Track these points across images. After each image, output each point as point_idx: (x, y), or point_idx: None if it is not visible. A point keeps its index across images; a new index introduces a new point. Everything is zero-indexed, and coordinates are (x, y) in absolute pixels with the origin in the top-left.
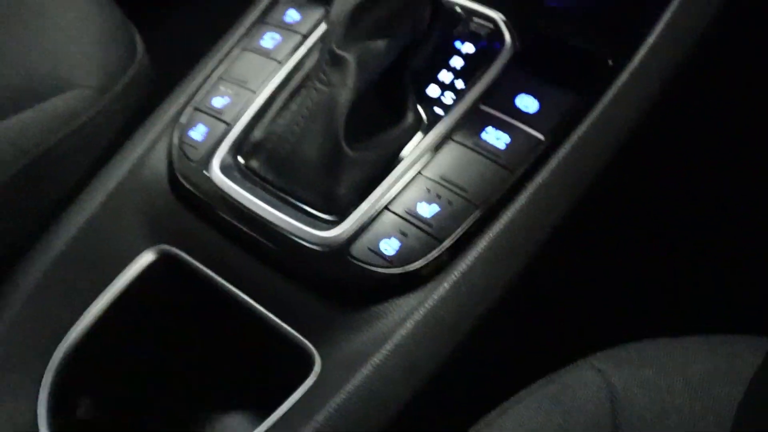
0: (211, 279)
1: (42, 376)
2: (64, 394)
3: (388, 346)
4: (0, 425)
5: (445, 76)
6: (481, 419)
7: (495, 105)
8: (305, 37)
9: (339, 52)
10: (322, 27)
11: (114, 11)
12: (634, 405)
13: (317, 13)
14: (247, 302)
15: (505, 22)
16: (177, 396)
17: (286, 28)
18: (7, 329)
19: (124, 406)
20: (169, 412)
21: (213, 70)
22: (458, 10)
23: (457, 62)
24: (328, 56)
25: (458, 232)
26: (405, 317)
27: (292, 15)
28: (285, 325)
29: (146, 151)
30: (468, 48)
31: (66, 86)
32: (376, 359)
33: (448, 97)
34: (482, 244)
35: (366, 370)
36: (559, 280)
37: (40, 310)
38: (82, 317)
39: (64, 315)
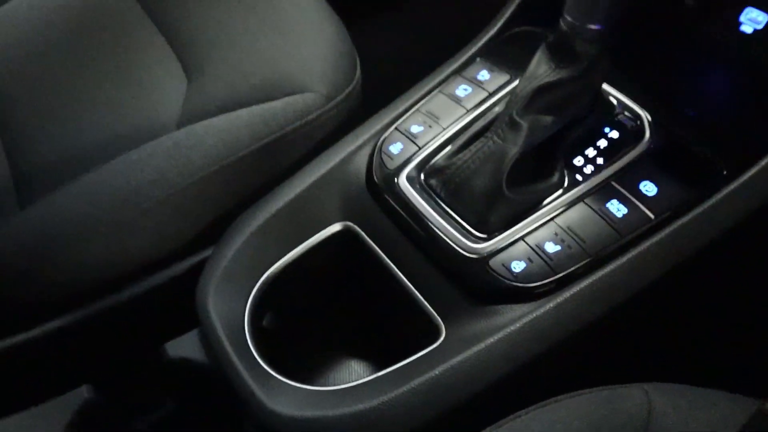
0: (377, 254)
1: (251, 292)
2: (260, 307)
3: (499, 335)
4: (221, 318)
5: (590, 151)
6: (547, 400)
7: (623, 184)
8: (490, 94)
9: (517, 118)
10: (504, 90)
11: (345, 35)
12: (665, 418)
13: (503, 77)
14: (399, 277)
15: (648, 121)
16: (327, 329)
17: (476, 84)
18: (233, 255)
19: (291, 326)
20: (318, 340)
21: (414, 103)
22: (614, 102)
23: (602, 143)
24: (507, 119)
25: (570, 270)
26: (516, 318)
27: (483, 74)
28: (424, 301)
29: (353, 151)
30: (614, 134)
31: (303, 89)
32: (487, 341)
33: (588, 169)
34: (584, 283)
35: (478, 347)
36: (636, 327)
37: (256, 247)
38: (282, 258)
39: (270, 253)
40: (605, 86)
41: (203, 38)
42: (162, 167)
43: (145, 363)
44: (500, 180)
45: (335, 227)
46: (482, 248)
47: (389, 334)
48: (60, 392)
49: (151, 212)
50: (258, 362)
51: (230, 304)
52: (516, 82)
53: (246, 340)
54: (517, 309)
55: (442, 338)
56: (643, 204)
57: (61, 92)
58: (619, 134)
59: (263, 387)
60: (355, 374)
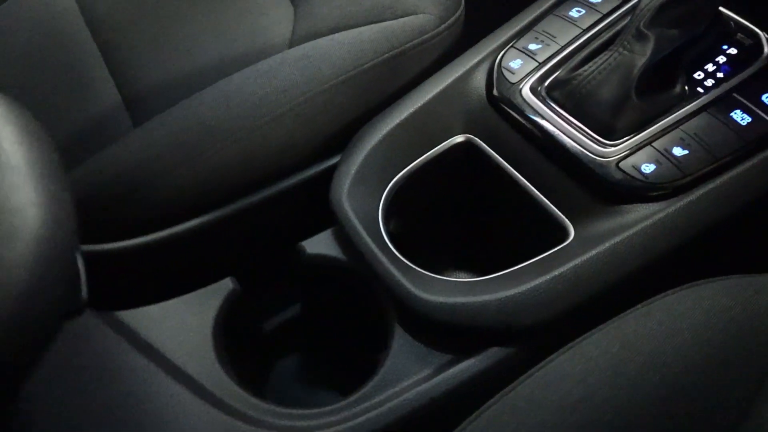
0: (500, 163)
1: (381, 195)
2: (389, 212)
3: (634, 229)
4: (356, 214)
5: (710, 67)
6: (693, 282)
7: (745, 95)
8: (604, 15)
9: (644, 30)
10: (617, 12)
11: None
12: None
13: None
14: (522, 182)
15: (766, 38)
16: (453, 235)
17: (590, 6)
18: (363, 160)
19: (417, 229)
20: (445, 245)
21: (529, 25)
22: (731, 23)
23: (721, 59)
24: (635, 31)
25: (698, 172)
26: (647, 216)
27: None
28: (551, 204)
29: (472, 67)
30: (732, 51)
31: (418, 11)
32: (623, 235)
33: (710, 82)
34: (713, 184)
35: (614, 240)
36: (762, 229)
37: (384, 155)
38: (406, 166)
39: (396, 162)
40: (722, 8)
41: None
42: (292, 76)
43: (283, 259)
44: (629, 88)
45: (457, 139)
46: (611, 152)
47: (512, 239)
48: (207, 282)
49: (283, 119)
50: (398, 256)
51: (363, 206)
52: (627, 5)
53: (383, 237)
54: (649, 207)
55: (571, 237)
56: (766, 113)
57: (168, 20)
58: (737, 51)
59: (408, 277)
60: (484, 274)
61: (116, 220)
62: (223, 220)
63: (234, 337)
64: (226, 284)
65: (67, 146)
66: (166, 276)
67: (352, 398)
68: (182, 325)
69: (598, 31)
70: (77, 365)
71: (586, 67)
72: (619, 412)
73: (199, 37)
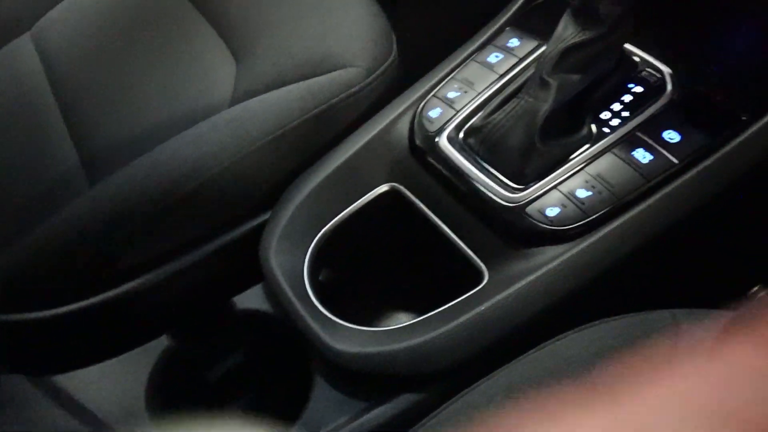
0: (422, 210)
1: (308, 249)
2: (317, 263)
3: (539, 273)
4: (283, 272)
5: (616, 106)
6: (583, 325)
7: (647, 133)
8: (521, 59)
9: (546, 78)
10: (533, 55)
11: (380, 14)
12: (691, 335)
13: (532, 43)
14: (442, 228)
15: (670, 75)
16: (377, 281)
17: (507, 51)
18: (290, 216)
19: (345, 279)
20: (369, 292)
21: (449, 72)
22: (636, 59)
23: (626, 98)
24: (538, 79)
25: (600, 212)
26: (552, 258)
27: (513, 42)
28: (467, 249)
29: (395, 118)
30: (637, 89)
31: (345, 65)
32: (528, 278)
33: (615, 122)
34: (614, 224)
35: (519, 284)
36: (663, 262)
37: (311, 208)
38: (334, 218)
39: (324, 214)
40: (627, 45)
41: (249, 24)
42: (222, 139)
43: (216, 315)
44: (533, 135)
45: (382, 188)
46: (519, 197)
47: (435, 282)
48: (144, 341)
49: (214, 180)
50: (319, 309)
51: (290, 260)
52: (545, 47)
53: (306, 291)
54: (554, 250)
55: (485, 281)
56: (667, 150)
57: (120, 82)
58: (642, 89)
59: (326, 329)
60: (405, 318)
61: (51, 287)
62: (159, 282)
63: (172, 391)
64: (161, 342)
65: (27, 205)
66: (101, 339)
67: None
68: (117, 385)
69: (513, 75)
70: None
71: (496, 114)
72: None
73: (150, 97)
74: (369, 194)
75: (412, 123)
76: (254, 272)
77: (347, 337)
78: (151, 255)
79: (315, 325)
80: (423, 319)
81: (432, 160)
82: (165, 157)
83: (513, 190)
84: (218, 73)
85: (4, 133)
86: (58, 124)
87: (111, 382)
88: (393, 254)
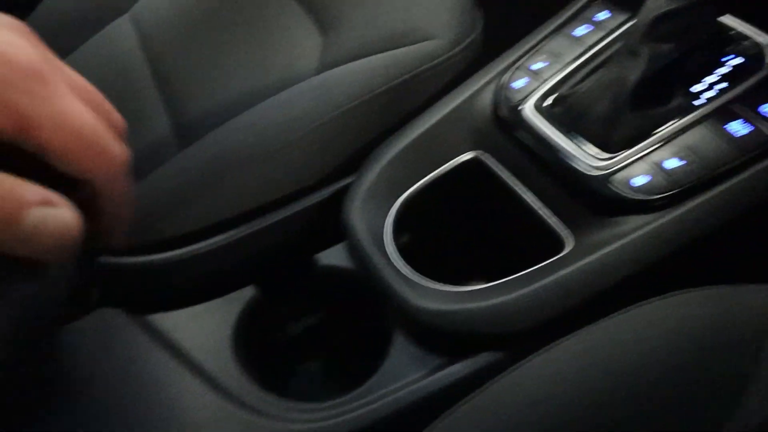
0: (503, 177)
1: (389, 211)
2: (397, 226)
3: (623, 241)
4: (365, 230)
5: (709, 78)
6: (670, 293)
7: (743, 106)
8: (609, 32)
9: (636, 47)
10: (622, 28)
11: None
12: None
13: (623, 16)
14: (524, 196)
15: (767, 47)
16: (455, 245)
17: (596, 24)
18: (374, 179)
19: (425, 240)
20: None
21: (535, 45)
22: (733, 30)
23: (721, 70)
24: (628, 48)
25: (689, 184)
26: (639, 227)
27: (603, 14)
28: (549, 216)
29: (480, 88)
30: (733, 61)
31: (430, 37)
32: (614, 245)
33: (708, 94)
34: (704, 196)
35: (605, 251)
36: (754, 240)
37: (394, 173)
38: (416, 183)
39: (407, 179)
40: (725, 17)
41: None
42: (308, 104)
43: (299, 270)
44: (622, 104)
45: (465, 156)
46: (606, 165)
47: (514, 249)
48: (230, 290)
49: (300, 143)
50: (400, 267)
51: (373, 221)
52: (632, 21)
53: (388, 250)
54: (639, 219)
55: (568, 248)
56: (762, 125)
57: (211, 56)
58: (739, 60)
59: (407, 287)
60: (484, 283)
61: (155, 236)
62: (245, 237)
63: (253, 340)
64: (248, 292)
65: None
66: (193, 284)
67: (351, 395)
68: (205, 328)
69: (602, 48)
70: (109, 361)
71: (583, 83)
72: (581, 411)
73: (238, 69)
74: (452, 161)
75: (496, 93)
76: (337, 232)
77: (428, 295)
78: (238, 212)
79: (396, 282)
80: (504, 281)
81: (516, 130)
82: (253, 120)
83: (599, 159)
84: (304, 46)
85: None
86: (153, 97)
87: (200, 325)
88: (473, 220)
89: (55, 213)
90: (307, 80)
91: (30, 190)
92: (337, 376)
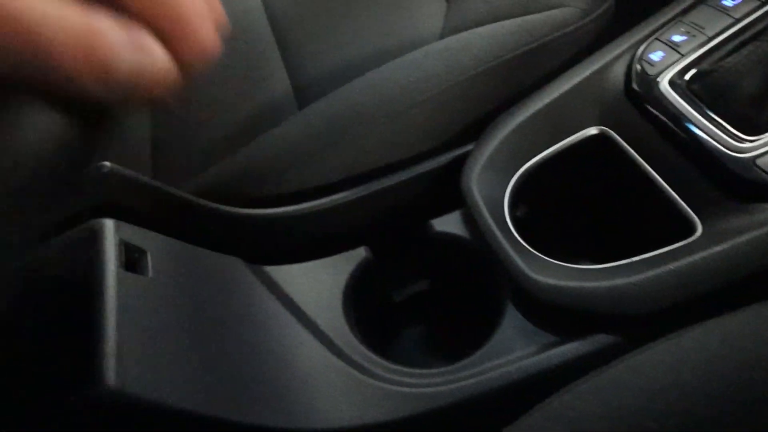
0: (631, 155)
1: (509, 182)
2: (516, 197)
3: (757, 232)
4: (483, 199)
5: None
6: None
7: None
8: (762, 3)
9: None
10: None
11: None
12: None
13: None
14: (653, 176)
15: None
16: (574, 221)
17: None
18: (496, 147)
19: (543, 214)
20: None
21: (676, 16)
22: None
23: None
24: None
25: None
26: None
27: None
28: (679, 198)
29: (612, 60)
30: None
31: (563, 4)
32: (749, 235)
33: None
34: None
35: (739, 239)
36: None
37: (516, 142)
38: (538, 154)
39: (528, 149)
40: None
41: None
42: (434, 67)
43: (414, 234)
44: None
45: (591, 131)
46: (749, 148)
47: (639, 230)
48: (344, 249)
49: (423, 106)
50: (517, 239)
51: (491, 191)
52: None
53: (506, 221)
54: None
55: (698, 232)
56: None
57: (332, 17)
58: None
59: (524, 259)
60: (604, 262)
61: (273, 191)
62: (364, 197)
63: (362, 300)
64: (360, 252)
65: (243, 124)
66: (309, 240)
67: (458, 364)
68: (318, 283)
69: (752, 21)
70: (228, 305)
71: (729, 59)
72: (708, 405)
73: (359, 31)
74: (576, 135)
75: (629, 66)
76: (453, 199)
77: (546, 269)
78: (358, 171)
79: (513, 254)
80: (628, 262)
81: (650, 105)
82: (377, 80)
83: (742, 141)
84: (428, 9)
85: (226, 61)
86: (274, 55)
87: (313, 281)
88: (596, 199)
89: (147, 55)
90: (433, 44)
91: (120, 35)
92: (442, 344)
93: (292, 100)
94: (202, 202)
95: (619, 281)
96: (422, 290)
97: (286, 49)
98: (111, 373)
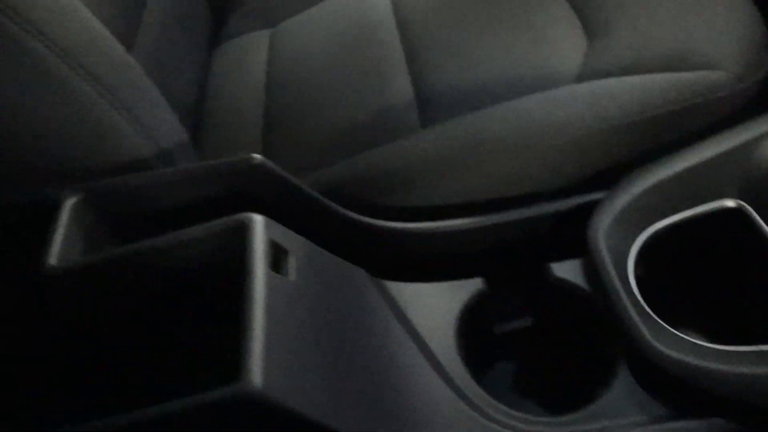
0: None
1: (638, 239)
2: (641, 255)
3: None
4: (609, 252)
5: None
6: None
7: None
8: None
9: None
10: None
11: (760, 22)
12: None
13: None
14: None
15: None
16: (699, 293)
17: None
18: (627, 203)
19: (666, 280)
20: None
21: None
22: None
23: None
24: None
25: None
26: None
27: None
28: None
29: (761, 135)
30: None
31: (713, 66)
32: None
33: None
34: None
35: None
36: None
37: (649, 200)
38: (668, 216)
39: (659, 209)
40: None
41: (606, 1)
42: (578, 110)
43: (530, 272)
44: None
45: (728, 203)
46: None
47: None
48: (460, 276)
49: (561, 147)
50: (641, 302)
51: (618, 245)
52: None
53: (630, 281)
54: None
55: None
56: None
57: (465, 33)
58: None
59: (648, 325)
60: (726, 342)
61: (396, 203)
62: (485, 227)
63: (472, 330)
64: (476, 283)
65: (361, 129)
66: (426, 260)
67: (567, 417)
68: (431, 307)
69: None
70: (355, 317)
71: None
72: None
73: (492, 54)
74: (712, 204)
75: None
76: (573, 244)
77: (669, 340)
78: (482, 199)
79: (636, 318)
80: (757, 350)
81: None
82: (516, 112)
83: None
84: (567, 45)
85: (350, 64)
86: (399, 60)
87: (428, 303)
88: (722, 271)
89: None
90: (577, 85)
91: None
92: (537, 385)
93: (414, 111)
94: (341, 209)
95: (747, 369)
96: (536, 329)
97: (413, 60)
98: (258, 374)
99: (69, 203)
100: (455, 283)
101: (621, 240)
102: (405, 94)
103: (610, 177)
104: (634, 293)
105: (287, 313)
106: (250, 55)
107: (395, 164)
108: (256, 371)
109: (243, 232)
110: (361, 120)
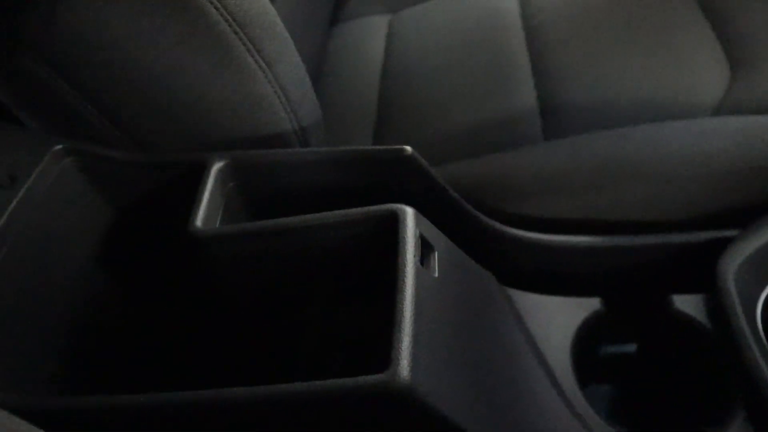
0: None
1: (765, 286)
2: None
3: None
4: (738, 294)
5: None
6: None
7: None
8: None
9: None
10: None
11: None
12: None
13: None
14: None
15: None
16: None
17: None
18: (761, 245)
19: None
20: None
21: None
22: None
23: None
24: None
25: None
26: None
27: None
28: None
29: None
30: None
31: None
32: None
33: None
34: None
35: None
36: None
37: None
38: None
39: None
40: None
41: (754, 35)
42: (725, 145)
43: (650, 300)
44: None
45: None
46: None
47: None
48: (580, 293)
49: (702, 179)
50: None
51: (746, 287)
52: None
53: (758, 326)
54: None
55: None
56: None
57: (598, 49)
58: None
59: None
60: None
61: (525, 211)
62: (611, 247)
63: (587, 349)
64: (595, 303)
65: (482, 130)
66: (548, 273)
67: None
68: (549, 321)
69: None
70: (487, 321)
71: None
72: None
73: (626, 73)
74: None
75: None
76: (697, 277)
77: None
78: (610, 219)
79: (764, 365)
80: None
81: None
82: (657, 138)
83: None
84: (708, 76)
85: (475, 67)
86: (525, 67)
87: (545, 316)
88: None
89: None
90: (726, 118)
91: None
92: (635, 411)
93: (538, 121)
94: (479, 214)
95: None
96: (647, 359)
97: (539, 69)
98: (406, 368)
99: (216, 167)
100: (575, 299)
101: (752, 282)
102: (529, 103)
103: (746, 216)
104: (761, 339)
105: (431, 309)
106: (367, 39)
107: (516, 172)
108: (404, 364)
109: (395, 223)
110: (484, 123)
